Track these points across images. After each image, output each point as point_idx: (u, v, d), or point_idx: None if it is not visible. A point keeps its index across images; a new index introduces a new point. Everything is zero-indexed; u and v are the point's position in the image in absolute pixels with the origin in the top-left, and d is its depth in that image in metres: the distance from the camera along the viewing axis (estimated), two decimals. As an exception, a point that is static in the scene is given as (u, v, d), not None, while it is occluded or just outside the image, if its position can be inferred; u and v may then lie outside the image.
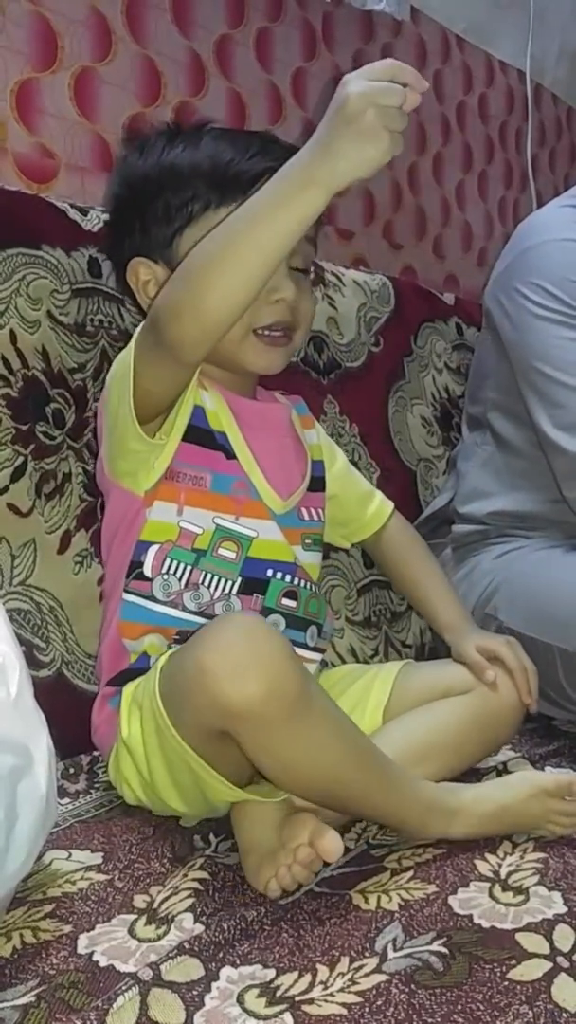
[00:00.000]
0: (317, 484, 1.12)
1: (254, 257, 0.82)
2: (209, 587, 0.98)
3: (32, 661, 1.03)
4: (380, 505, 1.23)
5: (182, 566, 0.97)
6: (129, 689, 0.94)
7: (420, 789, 0.89)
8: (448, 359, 1.71)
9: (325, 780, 0.83)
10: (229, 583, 0.99)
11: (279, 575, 1.01)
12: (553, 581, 1.31)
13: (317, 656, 1.06)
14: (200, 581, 0.98)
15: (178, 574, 0.97)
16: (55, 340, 1.11)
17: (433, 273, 2.15)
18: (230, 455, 1.01)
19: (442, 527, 1.48)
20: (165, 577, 0.97)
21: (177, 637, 0.96)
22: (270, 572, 1.01)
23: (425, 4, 2.06)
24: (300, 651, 1.02)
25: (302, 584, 1.03)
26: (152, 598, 0.97)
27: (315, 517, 1.09)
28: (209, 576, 0.98)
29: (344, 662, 1.32)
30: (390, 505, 1.24)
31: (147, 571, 0.97)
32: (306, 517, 1.08)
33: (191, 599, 0.97)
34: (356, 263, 1.88)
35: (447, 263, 2.21)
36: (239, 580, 0.99)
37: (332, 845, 0.79)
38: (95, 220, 1.20)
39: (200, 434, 0.99)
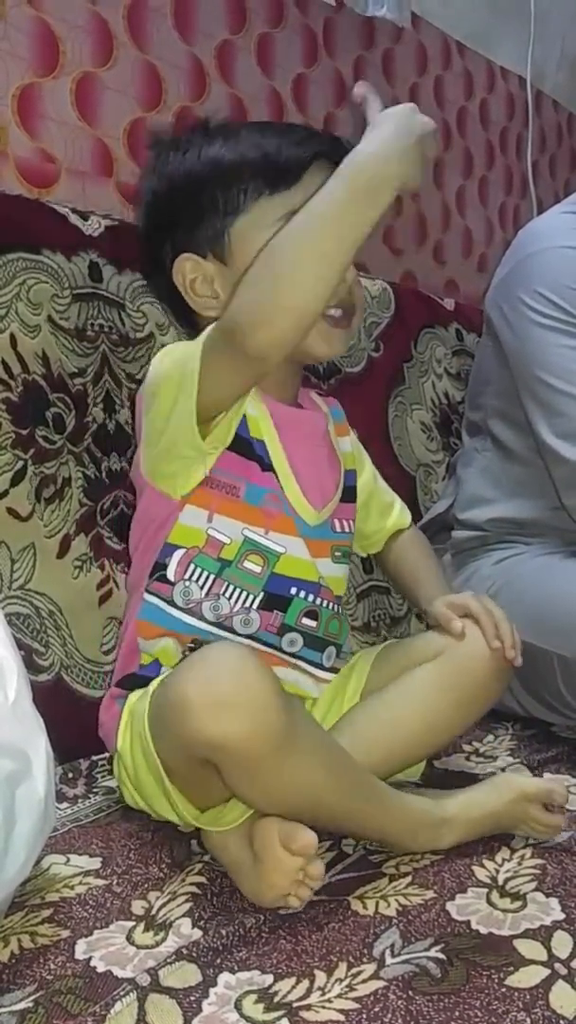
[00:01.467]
0: (350, 494, 1.10)
1: (337, 251, 0.86)
2: (230, 598, 0.96)
3: (31, 665, 1.03)
4: (400, 513, 1.21)
5: (205, 574, 0.96)
6: (132, 700, 0.94)
7: (407, 805, 0.89)
8: (448, 364, 1.71)
9: (309, 807, 0.82)
10: (251, 597, 0.97)
11: (302, 594, 1.00)
12: (552, 588, 1.31)
13: (331, 676, 1.04)
14: (222, 591, 0.96)
15: (200, 581, 0.96)
16: (55, 344, 1.12)
17: (433, 279, 2.15)
18: (266, 466, 0.99)
19: (441, 533, 1.48)
20: (187, 583, 0.96)
21: (192, 645, 0.95)
22: (293, 590, 0.99)
23: (426, 10, 2.06)
24: (315, 671, 1.02)
25: (324, 604, 1.02)
26: (171, 602, 0.96)
27: (346, 529, 1.08)
28: (231, 587, 0.97)
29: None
30: (408, 514, 1.22)
31: (170, 575, 0.96)
32: (338, 529, 1.06)
33: (210, 609, 0.96)
34: (356, 268, 1.87)
35: (447, 269, 2.21)
36: (262, 595, 0.97)
37: (305, 842, 0.78)
38: (96, 225, 1.20)
39: (240, 443, 0.98)
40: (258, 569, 0.97)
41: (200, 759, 0.80)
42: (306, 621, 1.00)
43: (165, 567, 0.97)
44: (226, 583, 0.97)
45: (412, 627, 1.47)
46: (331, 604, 1.03)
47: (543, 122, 2.54)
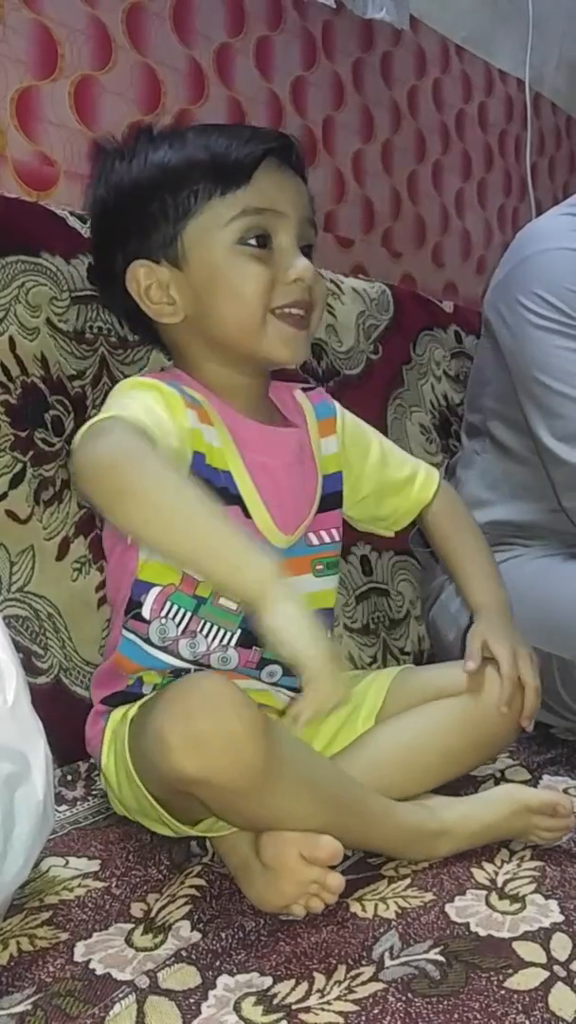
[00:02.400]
0: (331, 502, 1.06)
1: (167, 548, 0.81)
2: (207, 636, 0.94)
3: (30, 668, 1.03)
4: (423, 486, 1.14)
5: (182, 611, 0.94)
6: (115, 719, 0.93)
7: (402, 818, 0.88)
8: (447, 367, 1.71)
9: (297, 828, 0.80)
10: (228, 634, 0.95)
11: None
12: (551, 590, 1.31)
13: None
14: (198, 629, 0.94)
15: (176, 619, 0.94)
16: (54, 347, 1.12)
17: (432, 281, 2.16)
18: (231, 498, 0.95)
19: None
20: (163, 621, 0.94)
21: (172, 675, 0.94)
22: None
23: (425, 13, 2.07)
24: (295, 695, 1.00)
25: None
26: (148, 640, 0.94)
27: (327, 539, 1.04)
28: (208, 625, 0.94)
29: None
30: (435, 481, 1.15)
31: (145, 613, 0.94)
32: (315, 542, 1.03)
33: (187, 647, 0.94)
34: (355, 271, 1.88)
35: (446, 271, 2.22)
36: (239, 632, 0.95)
37: (331, 851, 0.79)
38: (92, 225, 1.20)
39: (198, 481, 0.92)
40: (233, 606, 0.94)
41: (182, 790, 0.80)
42: None
43: (141, 605, 0.94)
44: (203, 620, 0.94)
45: (411, 629, 1.47)
46: None
47: (542, 124, 2.55)
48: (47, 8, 1.35)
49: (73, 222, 1.18)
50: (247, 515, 0.96)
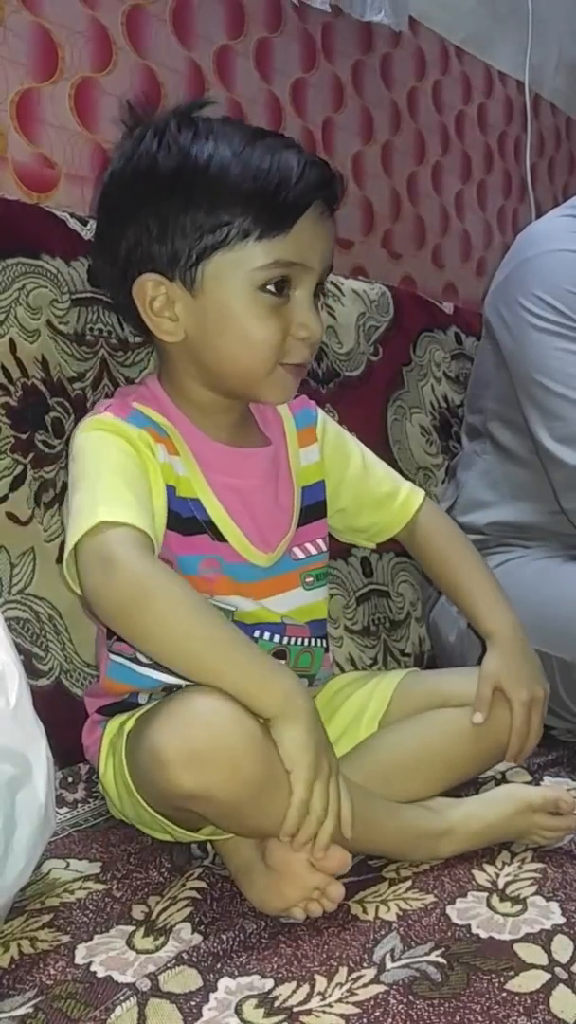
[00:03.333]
0: (313, 512, 1.04)
1: (194, 671, 0.82)
2: None
3: (31, 670, 1.03)
4: (404, 502, 1.12)
5: None
6: (112, 729, 0.93)
7: (405, 820, 0.89)
8: (447, 368, 1.71)
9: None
10: None
11: (267, 635, 0.97)
12: (551, 591, 1.31)
13: None
14: None
15: None
16: (55, 349, 1.12)
17: (432, 282, 2.16)
18: (201, 526, 0.94)
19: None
20: None
21: (164, 692, 0.93)
22: (257, 633, 0.96)
23: (424, 15, 2.07)
24: None
25: (292, 641, 0.99)
26: (135, 659, 0.93)
27: (313, 551, 1.03)
28: None
29: (343, 671, 1.31)
30: (418, 498, 1.12)
31: None
32: (300, 556, 1.01)
33: None
34: (355, 272, 1.88)
35: (446, 272, 2.22)
36: None
37: (340, 861, 0.79)
38: (104, 216, 1.20)
39: (168, 515, 0.93)
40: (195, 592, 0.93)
41: (182, 806, 0.80)
42: None
43: None
44: None
45: (412, 631, 1.47)
46: (300, 640, 1.00)
47: (541, 126, 2.55)
48: (47, 10, 1.35)
49: (73, 224, 1.18)
50: (221, 539, 0.95)
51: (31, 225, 1.15)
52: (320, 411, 1.11)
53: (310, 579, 1.02)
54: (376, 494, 1.12)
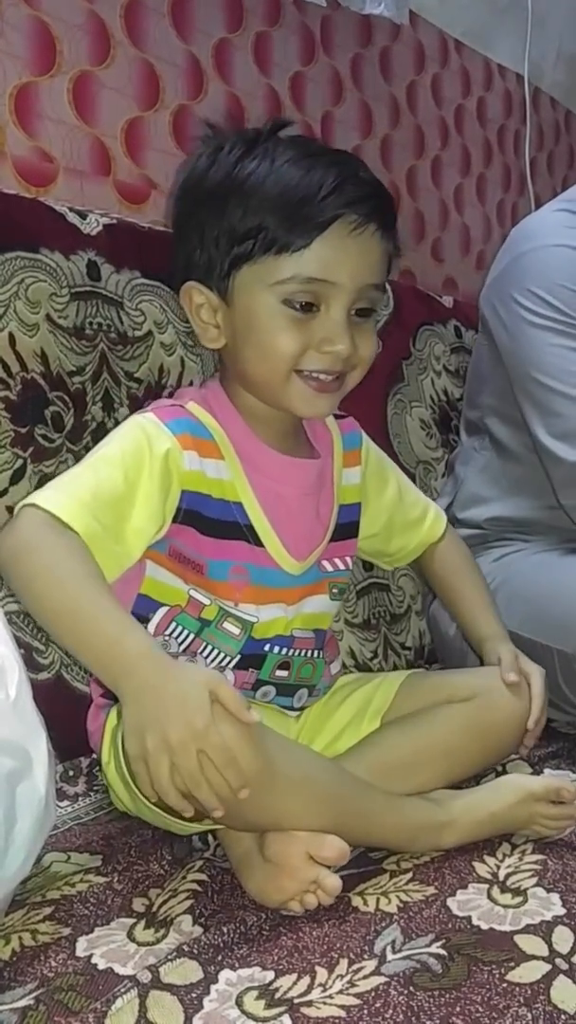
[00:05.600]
0: (346, 531, 1.07)
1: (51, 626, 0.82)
2: (207, 657, 0.95)
3: (31, 664, 1.03)
4: (431, 527, 1.18)
5: (185, 632, 0.95)
6: (112, 719, 0.94)
7: (406, 810, 0.89)
8: (447, 362, 1.71)
9: (296, 828, 0.81)
10: (228, 658, 0.96)
11: (276, 649, 0.99)
12: (551, 584, 1.31)
13: (299, 713, 1.05)
14: (199, 650, 0.95)
15: (179, 638, 0.95)
16: (54, 343, 1.11)
17: (431, 276, 2.15)
18: (241, 530, 0.96)
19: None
20: (165, 638, 0.95)
21: None
22: (267, 647, 0.98)
23: (423, 8, 2.06)
24: (286, 711, 1.03)
25: (296, 653, 1.01)
26: None
27: (340, 567, 1.05)
28: (209, 647, 0.96)
29: (344, 665, 1.32)
30: (442, 525, 1.19)
31: (151, 628, 0.94)
32: (329, 568, 1.04)
33: None
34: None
35: (446, 266, 2.21)
36: (238, 657, 0.97)
37: (338, 852, 0.79)
38: (94, 223, 1.20)
39: (199, 519, 0.94)
40: (237, 631, 0.96)
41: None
42: (279, 672, 1.00)
43: (146, 621, 0.95)
44: (204, 642, 0.96)
45: (412, 624, 1.47)
46: (304, 651, 1.01)
47: (541, 119, 2.54)
48: (45, 4, 1.35)
49: (72, 218, 1.18)
50: (259, 544, 0.97)
51: (30, 219, 1.15)
52: (365, 436, 1.14)
53: (335, 590, 1.05)
54: (408, 519, 1.17)
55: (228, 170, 0.93)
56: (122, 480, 0.88)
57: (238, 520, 0.96)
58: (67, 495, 0.84)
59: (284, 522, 0.99)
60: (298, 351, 0.92)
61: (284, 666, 1.00)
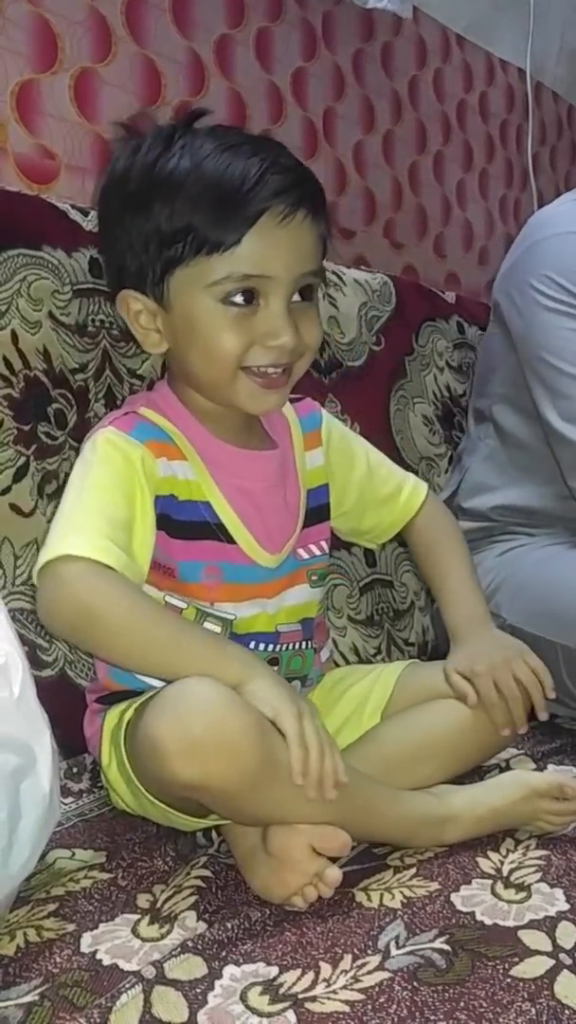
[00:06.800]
0: (317, 515, 1.06)
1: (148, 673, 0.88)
2: None
3: (35, 661, 1.03)
4: (407, 501, 1.14)
5: None
6: (111, 720, 0.94)
7: (409, 805, 0.89)
8: (449, 357, 1.71)
9: (298, 822, 0.81)
10: None
11: (261, 646, 0.98)
12: (556, 579, 1.31)
13: None
14: None
15: None
16: (56, 341, 1.11)
17: (434, 272, 2.15)
18: (211, 529, 0.95)
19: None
20: None
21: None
22: (252, 644, 0.97)
23: (425, 3, 2.06)
24: None
25: (284, 648, 1.00)
26: None
27: (316, 552, 1.04)
28: None
29: (347, 661, 1.32)
30: (420, 496, 1.14)
31: None
32: (305, 556, 1.03)
33: None
34: (357, 262, 1.88)
35: (448, 262, 2.21)
36: None
37: (341, 843, 0.80)
38: (96, 220, 1.20)
39: (168, 523, 0.94)
40: (217, 630, 0.95)
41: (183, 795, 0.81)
42: None
43: None
44: None
45: (415, 620, 1.47)
46: (291, 645, 1.01)
47: (543, 114, 2.54)
48: (46, 1, 1.35)
49: (75, 215, 1.18)
50: (230, 541, 0.96)
51: (32, 216, 1.15)
52: (325, 414, 1.12)
53: (314, 577, 1.04)
54: (380, 494, 1.13)
55: (148, 170, 0.92)
56: (124, 501, 0.89)
57: (207, 519, 0.96)
58: (89, 535, 0.85)
59: (253, 517, 0.98)
60: (242, 349, 0.91)
61: (272, 663, 0.99)
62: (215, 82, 1.61)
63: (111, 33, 1.44)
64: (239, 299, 0.90)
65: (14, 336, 1.07)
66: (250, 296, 0.90)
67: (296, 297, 0.93)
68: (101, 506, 0.87)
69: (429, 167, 2.15)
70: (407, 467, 1.53)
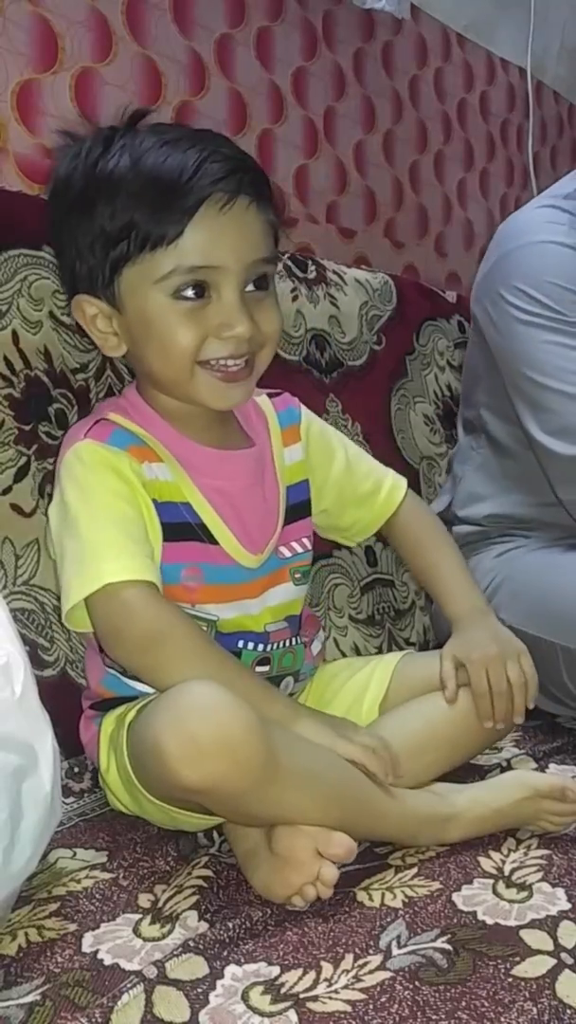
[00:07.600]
0: (298, 511, 1.05)
1: None
2: None
3: (36, 661, 1.03)
4: (386, 498, 1.12)
5: None
6: (108, 724, 0.94)
7: (410, 805, 0.89)
8: (450, 357, 1.71)
9: (299, 822, 0.81)
10: None
11: (251, 645, 0.97)
12: (554, 579, 1.31)
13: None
14: None
15: None
16: (57, 341, 1.12)
17: (435, 271, 2.15)
18: (193, 530, 0.95)
19: (443, 528, 1.47)
20: None
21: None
22: (241, 643, 0.97)
23: (426, 2, 2.06)
24: None
25: (274, 647, 0.99)
26: (126, 672, 0.94)
27: (299, 550, 1.03)
28: None
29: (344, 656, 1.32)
30: (400, 493, 1.13)
31: None
32: (287, 554, 1.02)
33: None
34: (358, 262, 1.88)
35: (449, 261, 2.21)
36: None
37: (346, 848, 0.80)
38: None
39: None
40: (203, 627, 0.94)
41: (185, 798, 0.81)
42: (259, 669, 0.98)
43: None
44: None
45: (416, 620, 1.47)
46: (281, 643, 1.00)
47: (544, 113, 2.54)
48: (47, 0, 1.35)
49: (75, 215, 1.18)
50: (212, 541, 0.96)
51: (33, 216, 1.14)
52: (304, 409, 1.11)
53: (298, 575, 1.03)
54: (359, 491, 1.12)
55: (89, 171, 0.91)
56: (132, 511, 0.90)
57: (188, 520, 0.95)
58: (124, 559, 0.87)
59: (233, 517, 0.97)
60: (197, 342, 0.90)
61: (264, 662, 0.99)
62: (215, 82, 1.61)
63: (111, 33, 1.44)
64: (190, 292, 0.89)
65: (15, 336, 1.07)
66: (201, 289, 0.90)
67: (250, 287, 0.92)
68: (118, 531, 0.89)
69: (430, 166, 2.15)
70: (408, 466, 1.54)
